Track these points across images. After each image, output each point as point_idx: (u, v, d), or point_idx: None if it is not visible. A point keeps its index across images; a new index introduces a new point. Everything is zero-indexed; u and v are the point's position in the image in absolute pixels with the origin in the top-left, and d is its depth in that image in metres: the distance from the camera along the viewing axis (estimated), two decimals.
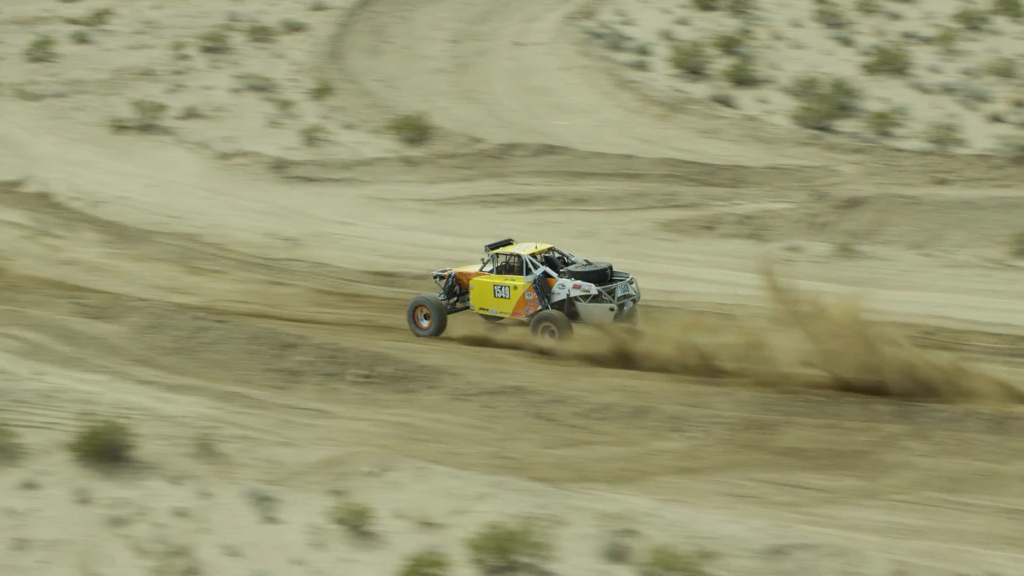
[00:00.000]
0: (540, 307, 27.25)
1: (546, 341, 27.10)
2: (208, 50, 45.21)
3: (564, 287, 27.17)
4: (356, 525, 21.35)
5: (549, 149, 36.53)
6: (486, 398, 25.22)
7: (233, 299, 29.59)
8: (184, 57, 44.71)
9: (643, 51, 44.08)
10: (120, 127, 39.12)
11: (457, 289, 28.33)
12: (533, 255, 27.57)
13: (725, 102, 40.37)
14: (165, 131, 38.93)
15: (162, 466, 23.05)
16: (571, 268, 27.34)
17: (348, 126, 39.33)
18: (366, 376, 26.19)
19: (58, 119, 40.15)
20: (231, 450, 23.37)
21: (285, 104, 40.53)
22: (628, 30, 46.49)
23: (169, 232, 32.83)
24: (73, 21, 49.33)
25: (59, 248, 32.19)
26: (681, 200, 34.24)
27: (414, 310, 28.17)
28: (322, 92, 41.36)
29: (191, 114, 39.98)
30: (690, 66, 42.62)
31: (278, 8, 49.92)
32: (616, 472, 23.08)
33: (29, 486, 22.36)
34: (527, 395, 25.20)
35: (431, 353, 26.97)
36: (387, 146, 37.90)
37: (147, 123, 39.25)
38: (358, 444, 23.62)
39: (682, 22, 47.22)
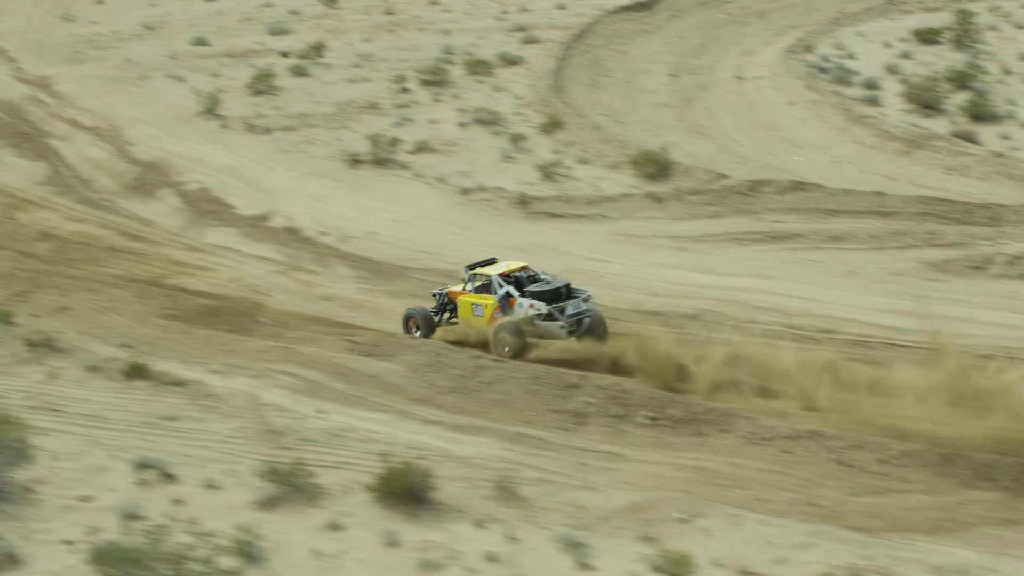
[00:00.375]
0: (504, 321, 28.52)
1: (504, 352, 28.20)
2: (428, 83, 45.05)
3: (522, 306, 28.45)
4: (676, 574, 20.75)
5: (797, 186, 35.72)
6: (783, 442, 24.49)
7: None
8: (405, 90, 44.60)
9: (871, 86, 43.15)
10: (355, 161, 38.94)
11: (449, 305, 29.77)
12: (503, 275, 28.99)
13: (967, 138, 39.28)
14: (400, 165, 38.71)
15: (465, 509, 22.64)
16: (530, 288, 28.62)
17: (583, 161, 38.84)
18: (654, 418, 25.59)
19: (290, 153, 40.15)
20: (532, 493, 22.89)
21: (516, 139, 40.16)
22: (851, 64, 45.58)
23: (423, 268, 32.47)
24: (285, 54, 49.53)
25: (314, 283, 32.00)
26: (943, 239, 33.23)
27: (407, 321, 29.88)
28: (551, 126, 40.94)
29: (422, 148, 39.77)
30: (924, 101, 41.61)
31: (488, 41, 49.76)
32: (933, 522, 22.23)
33: (334, 527, 22.08)
34: (825, 440, 24.43)
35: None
36: (627, 181, 37.34)
37: (381, 157, 39.03)
38: (660, 489, 23.00)
39: (905, 56, 46.20)
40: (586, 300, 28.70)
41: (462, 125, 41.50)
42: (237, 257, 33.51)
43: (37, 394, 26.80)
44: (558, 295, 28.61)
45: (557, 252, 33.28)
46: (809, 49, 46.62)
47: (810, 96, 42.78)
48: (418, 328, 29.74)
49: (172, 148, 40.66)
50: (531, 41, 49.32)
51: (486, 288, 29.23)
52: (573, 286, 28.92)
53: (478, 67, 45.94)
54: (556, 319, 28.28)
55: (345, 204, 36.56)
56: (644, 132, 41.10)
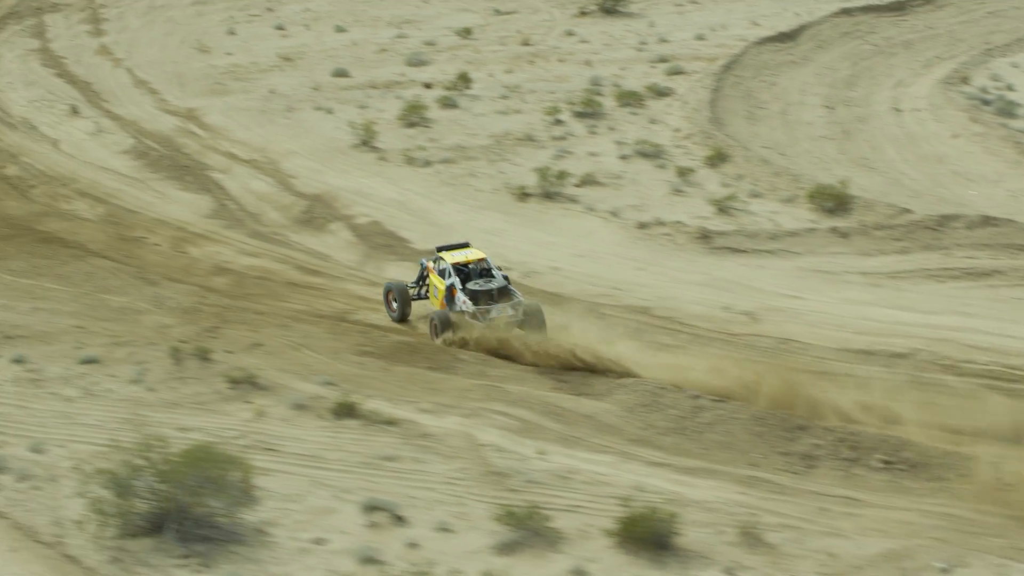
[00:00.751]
0: (447, 308, 30.59)
1: (437, 337, 30.28)
2: (581, 115, 44.63)
3: (460, 300, 30.35)
4: None
5: (988, 221, 34.91)
6: None
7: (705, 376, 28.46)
8: (559, 122, 44.14)
9: None
10: (523, 194, 38.48)
11: (426, 279, 31.58)
12: (459, 265, 30.71)
13: None
14: (569, 199, 38.22)
15: (711, 555, 22.08)
16: (470, 284, 30.37)
17: (755, 195, 38.21)
18: (888, 462, 24.88)
19: (453, 186, 39.76)
20: (778, 540, 22.27)
21: (683, 172, 39.60)
22: (1012, 96, 44.76)
23: (617, 304, 31.88)
24: (428, 85, 49.23)
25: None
26: None
27: (387, 294, 31.75)
28: (716, 159, 40.35)
29: (587, 181, 39.29)
30: None
31: (633, 72, 49.34)
32: None
33: (579, 573, 21.52)
34: None
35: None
36: (804, 216, 36.69)
37: (549, 191, 38.56)
38: (912, 536, 22.32)
39: None
40: (515, 307, 30.04)
41: (624, 158, 40.98)
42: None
43: (248, 433, 26.45)
44: (490, 296, 30.20)
45: (747, 288, 32.65)
46: (965, 80, 45.82)
47: (975, 129, 42.00)
48: (395, 301, 31.44)
49: (334, 181, 40.35)
50: (676, 72, 48.76)
51: (442, 273, 30.98)
52: (510, 287, 30.45)
53: (629, 99, 45.42)
54: (480, 320, 29.88)
55: (520, 238, 36.08)
56: (809, 165, 40.45)
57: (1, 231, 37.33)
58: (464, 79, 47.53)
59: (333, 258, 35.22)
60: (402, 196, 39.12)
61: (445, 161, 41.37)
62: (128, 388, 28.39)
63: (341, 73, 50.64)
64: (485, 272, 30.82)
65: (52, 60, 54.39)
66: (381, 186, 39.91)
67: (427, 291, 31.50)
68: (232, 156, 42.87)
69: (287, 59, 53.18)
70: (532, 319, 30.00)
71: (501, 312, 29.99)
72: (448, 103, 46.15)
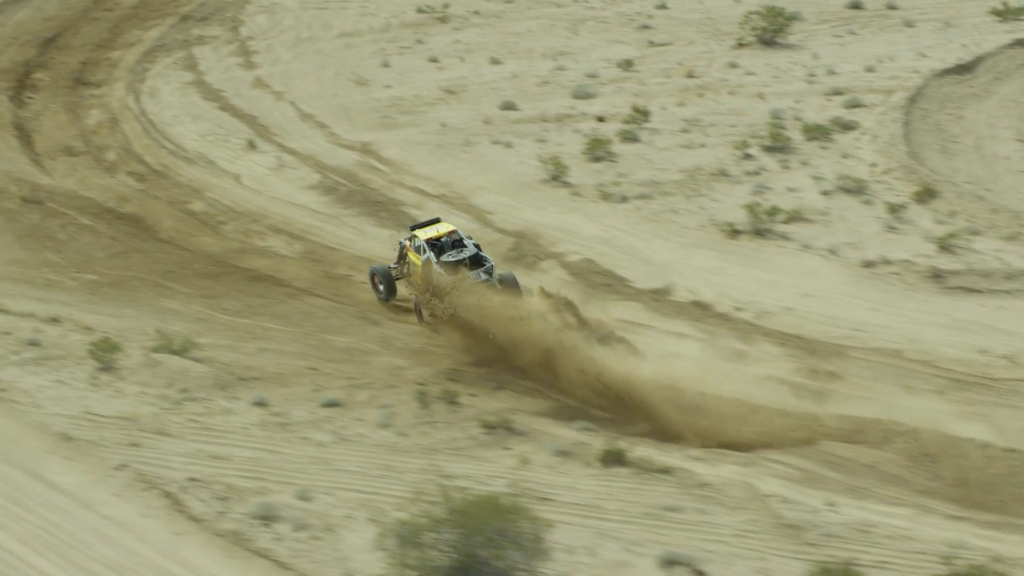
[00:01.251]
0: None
1: (422, 321, 32.37)
2: (770, 149, 43.65)
3: (435, 271, 32.09)
4: None
5: None
6: None
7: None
8: (748, 157, 43.20)
9: None
10: (733, 231, 37.56)
11: (407, 257, 33.43)
12: (432, 240, 32.87)
13: None
14: (781, 236, 37.27)
15: None
16: (444, 257, 32.46)
17: (974, 232, 37.11)
18: None
19: (656, 222, 38.91)
20: None
21: (893, 208, 38.54)
22: None
23: (864, 347, 30.89)
24: (601, 118, 48.44)
25: (745, 362, 30.54)
26: None
27: (372, 277, 34.19)
28: (925, 195, 39.27)
29: (794, 217, 38.29)
30: None
31: (809, 105, 48.36)
32: None
33: None
34: None
35: None
36: None
37: (759, 227, 37.63)
38: None
39: None
40: (488, 272, 32.39)
41: (826, 194, 40.00)
42: (654, 334, 32.17)
43: (516, 481, 25.74)
44: (463, 265, 32.30)
45: (995, 330, 31.62)
46: None
47: None
48: (381, 283, 33.74)
49: (532, 217, 39.60)
50: (855, 105, 47.73)
51: (417, 249, 33.15)
52: (481, 254, 32.80)
53: (815, 132, 44.42)
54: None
55: (740, 277, 35.18)
56: (1018, 201, 39.34)
57: (206, 269, 36.76)
58: (642, 112, 46.66)
59: None
60: (606, 233, 38.28)
61: (642, 197, 40.52)
62: (379, 433, 27.78)
63: (509, 106, 49.91)
64: (457, 243, 32.96)
65: (211, 93, 54.02)
66: (581, 222, 39.09)
67: (408, 270, 33.44)
68: (420, 191, 42.21)
69: (450, 92, 52.54)
70: (507, 285, 32.53)
71: (476, 278, 32.00)
72: (629, 137, 45.32)
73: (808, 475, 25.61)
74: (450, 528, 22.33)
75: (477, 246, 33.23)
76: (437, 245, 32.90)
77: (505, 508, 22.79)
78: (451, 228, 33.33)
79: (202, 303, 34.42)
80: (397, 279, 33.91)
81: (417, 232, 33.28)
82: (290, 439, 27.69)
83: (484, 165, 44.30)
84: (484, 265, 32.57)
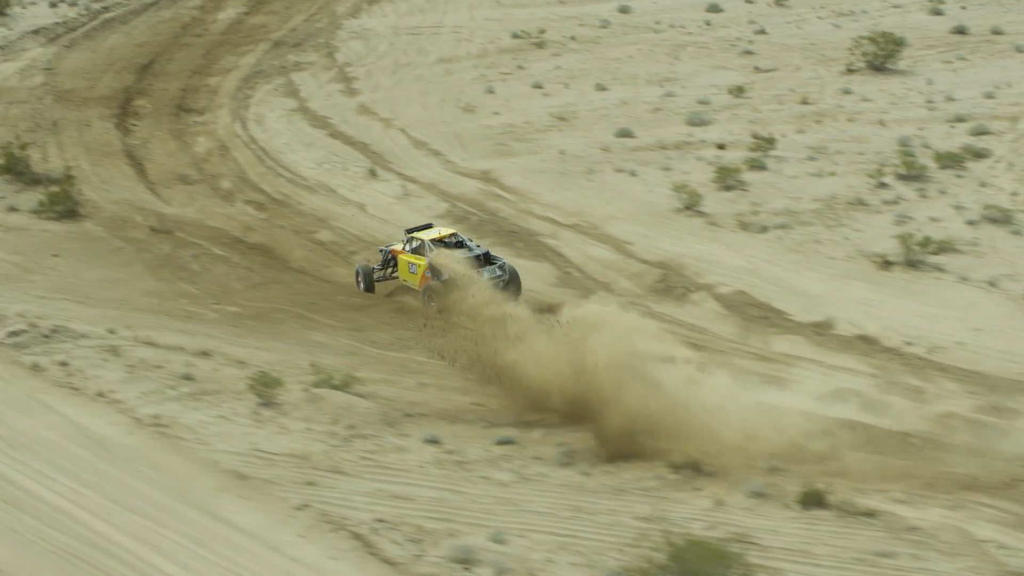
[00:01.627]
0: (433, 280, 34.39)
1: (431, 307, 34.19)
2: (905, 178, 42.77)
3: None
4: None
5: None
6: None
7: None
8: (883, 186, 42.33)
9: None
10: (884, 263, 36.67)
11: (392, 262, 36.12)
12: (435, 240, 35.08)
13: None
14: (935, 267, 36.35)
15: None
16: (455, 254, 34.15)
17: None
18: None
19: (800, 253, 38.09)
20: None
21: None
22: None
23: None
24: (721, 146, 47.72)
25: (924, 399, 29.64)
26: None
27: (356, 275, 36.64)
28: None
29: (944, 248, 37.39)
30: None
31: (933, 132, 47.66)
32: None
33: None
34: None
35: None
36: None
37: (912, 258, 36.72)
38: None
39: None
40: (500, 267, 34.44)
41: (971, 223, 39.10)
42: (821, 369, 31.30)
43: (717, 523, 24.85)
44: (477, 262, 34.43)
45: None
46: None
47: None
48: (362, 281, 36.06)
49: (671, 247, 38.87)
50: (982, 132, 46.93)
51: (420, 250, 35.10)
52: (492, 253, 35.01)
53: (948, 160, 43.52)
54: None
55: (900, 310, 34.30)
56: None
57: (349, 300, 36.10)
58: (768, 140, 45.87)
59: (709, 331, 33.55)
60: (750, 264, 37.48)
61: (781, 227, 39.69)
62: (561, 472, 27.01)
63: (625, 133, 49.27)
64: (459, 244, 35.11)
65: (318, 120, 53.58)
66: (723, 253, 38.32)
67: (393, 272, 36.13)
68: (551, 221, 41.48)
69: (561, 118, 51.95)
70: (513, 281, 34.51)
71: (491, 274, 33.98)
72: (756, 165, 44.57)
73: (1022, 520, 24.67)
74: (673, 575, 21.50)
75: (479, 247, 35.30)
76: (442, 246, 35.06)
77: (725, 553, 21.97)
78: (452, 231, 35.79)
79: (350, 336, 33.72)
80: (378, 280, 36.34)
81: (417, 234, 35.68)
82: (470, 478, 26.91)
83: (611, 194, 43.56)
84: (496, 262, 34.60)
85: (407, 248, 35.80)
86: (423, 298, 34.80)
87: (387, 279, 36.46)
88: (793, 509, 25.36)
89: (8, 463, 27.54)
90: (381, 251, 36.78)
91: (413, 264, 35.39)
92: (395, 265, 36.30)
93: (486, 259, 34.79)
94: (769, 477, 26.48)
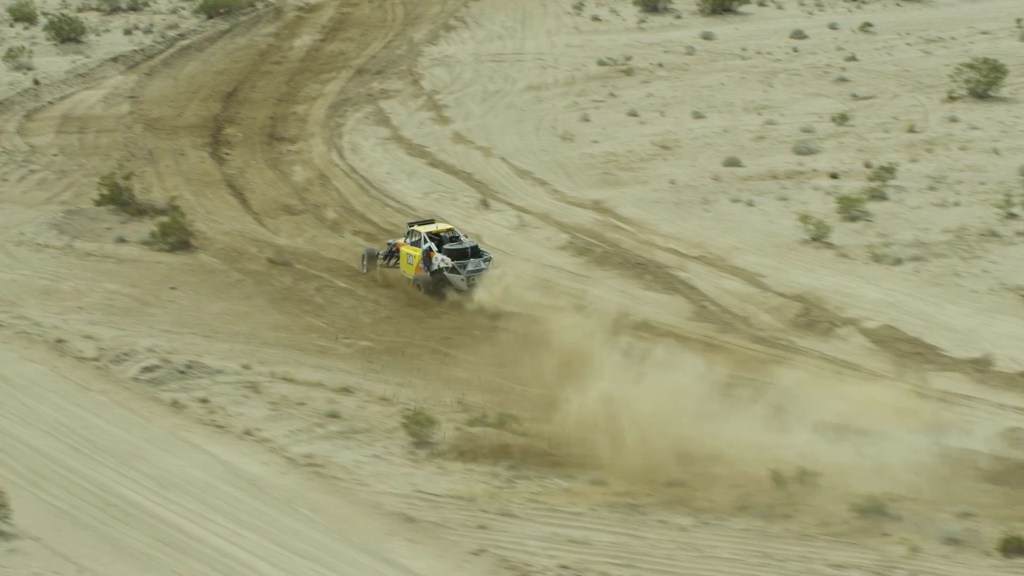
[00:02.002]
0: (424, 271, 37.46)
1: (419, 292, 37.45)
2: None
3: (438, 259, 37.32)
4: None
5: None
6: None
7: None
8: (1012, 216, 41.36)
9: None
10: None
11: (395, 253, 38.78)
12: (431, 233, 38.01)
13: None
14: None
15: None
16: (446, 246, 37.43)
17: None
18: None
19: (940, 286, 37.17)
20: None
21: None
22: None
23: None
24: (834, 175, 46.80)
25: None
26: None
27: (362, 258, 39.31)
28: None
29: None
30: None
31: None
32: None
33: None
34: None
35: None
36: None
37: None
38: None
39: None
40: (487, 260, 37.38)
41: None
42: (987, 408, 30.31)
43: (917, 572, 23.84)
44: (464, 254, 37.37)
45: None
46: None
47: None
48: (365, 261, 38.90)
49: (805, 280, 38.00)
50: None
51: (416, 243, 37.98)
52: (480, 248, 37.73)
53: None
54: (458, 272, 37.04)
55: None
56: None
57: (485, 335, 35.17)
58: (888, 170, 44.91)
59: (863, 368, 32.54)
60: (889, 297, 36.53)
61: (915, 259, 38.78)
62: (739, 516, 25.91)
63: (733, 162, 48.39)
64: (454, 238, 37.92)
65: (414, 149, 52.84)
66: (859, 286, 37.41)
67: (395, 263, 38.61)
68: (675, 252, 40.57)
69: (664, 147, 51.15)
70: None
71: (476, 266, 37.01)
72: (876, 195, 43.61)
73: None
74: None
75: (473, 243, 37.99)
76: (438, 239, 37.70)
77: None
78: (449, 226, 38.71)
79: (491, 372, 32.77)
80: (380, 266, 38.91)
81: (418, 227, 38.49)
82: (646, 522, 26.05)
83: (731, 224, 42.68)
84: (483, 255, 37.46)
85: (408, 241, 38.56)
86: (414, 284, 37.90)
87: (388, 267, 38.92)
88: (995, 557, 24.36)
89: (162, 503, 26.78)
90: (388, 243, 39.48)
91: (411, 255, 38.15)
92: (398, 257, 38.74)
93: (474, 252, 37.50)
94: (962, 522, 25.44)
